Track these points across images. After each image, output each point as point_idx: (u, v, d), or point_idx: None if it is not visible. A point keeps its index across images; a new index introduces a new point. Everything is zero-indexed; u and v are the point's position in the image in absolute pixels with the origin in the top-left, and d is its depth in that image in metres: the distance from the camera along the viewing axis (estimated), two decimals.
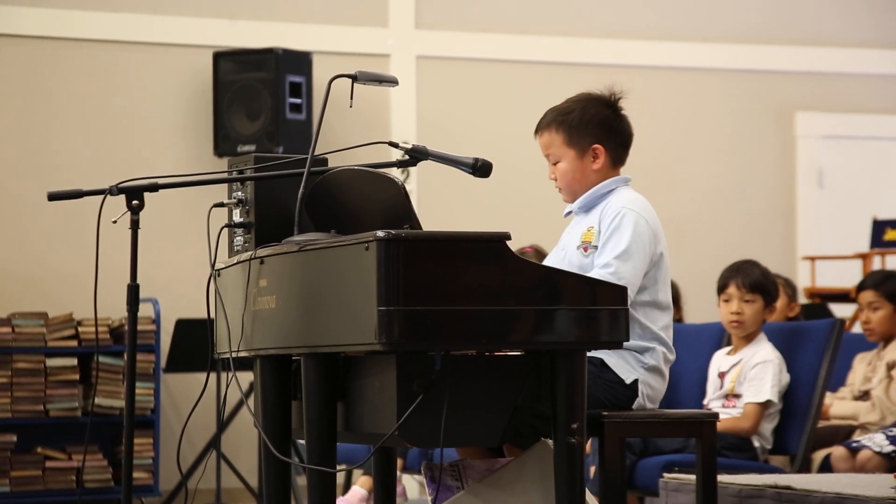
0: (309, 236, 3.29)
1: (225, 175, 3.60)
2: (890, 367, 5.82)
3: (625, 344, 3.20)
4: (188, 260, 7.04)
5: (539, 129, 3.75)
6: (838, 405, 5.80)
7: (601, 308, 3.10)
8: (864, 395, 5.88)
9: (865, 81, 8.72)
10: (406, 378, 3.03)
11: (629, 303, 3.50)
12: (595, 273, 3.50)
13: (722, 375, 5.12)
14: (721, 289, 5.16)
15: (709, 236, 8.33)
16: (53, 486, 6.88)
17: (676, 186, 8.32)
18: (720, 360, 5.16)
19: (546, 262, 3.76)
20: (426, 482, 3.59)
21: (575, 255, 3.64)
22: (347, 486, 6.19)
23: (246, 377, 6.38)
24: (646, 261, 3.58)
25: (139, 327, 6.35)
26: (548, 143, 3.72)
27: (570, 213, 3.80)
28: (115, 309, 5.79)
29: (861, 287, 6.02)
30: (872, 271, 6.32)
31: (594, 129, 3.69)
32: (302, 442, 3.30)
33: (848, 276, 6.91)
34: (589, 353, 3.32)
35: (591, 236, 3.63)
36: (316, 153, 3.40)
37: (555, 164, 3.73)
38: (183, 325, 7.16)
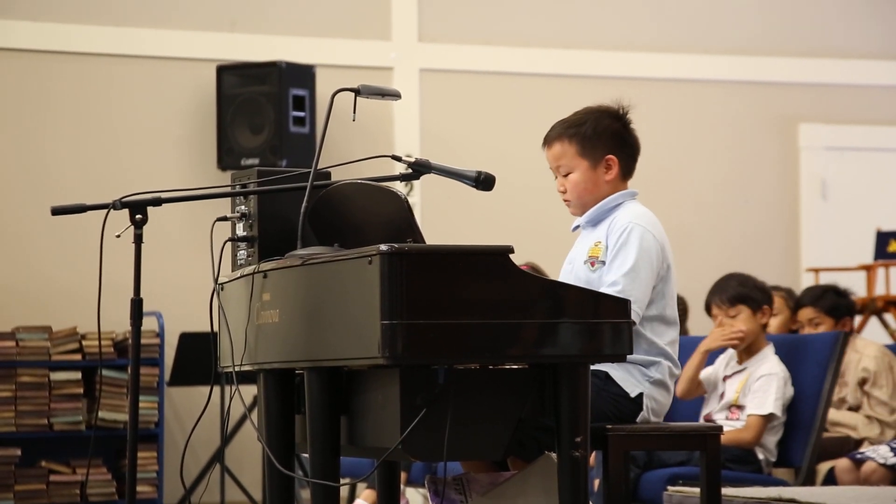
0: (312, 250, 3.30)
1: (228, 189, 3.61)
2: (861, 384, 5.83)
3: (630, 358, 3.20)
4: (192, 273, 7.04)
5: (549, 141, 3.74)
6: (833, 412, 5.80)
7: (604, 321, 3.10)
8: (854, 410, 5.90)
9: (869, 93, 8.72)
10: (409, 392, 3.03)
11: (639, 319, 3.51)
12: (604, 291, 3.49)
13: (725, 379, 5.12)
14: (708, 312, 5.19)
15: (712, 248, 8.33)
16: (57, 499, 6.87)
17: (679, 198, 8.32)
18: (725, 361, 5.15)
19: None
20: (430, 496, 3.58)
21: (582, 270, 3.64)
22: (351, 499, 6.19)
23: (249, 391, 6.38)
24: (653, 276, 3.58)
25: (143, 341, 6.37)
26: (559, 154, 3.72)
27: (577, 227, 3.80)
28: (118, 323, 5.80)
29: (799, 304, 6.04)
30: (809, 287, 6.34)
31: (607, 140, 3.70)
32: (305, 456, 3.30)
33: (852, 287, 6.89)
34: (594, 367, 3.32)
35: (598, 251, 3.63)
36: (319, 167, 3.41)
37: (565, 175, 3.72)
38: (186, 339, 7.16)
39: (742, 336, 5.04)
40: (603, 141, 3.69)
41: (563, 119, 3.75)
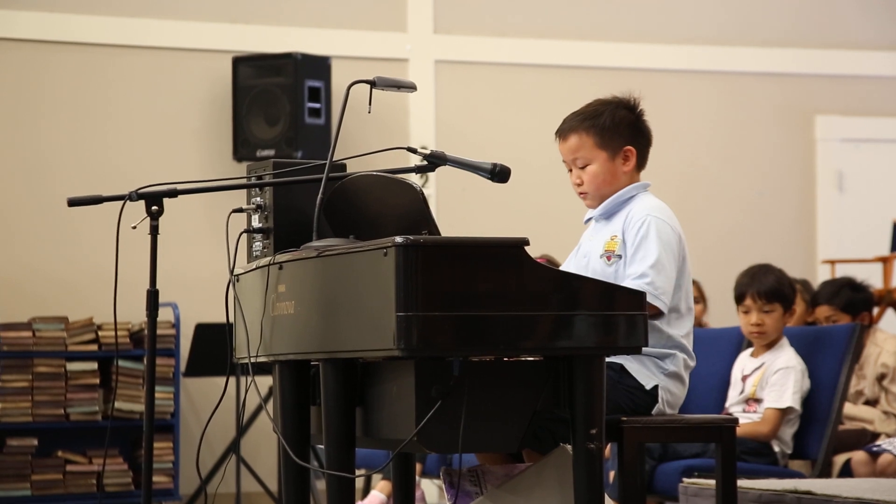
0: (327, 242, 3.30)
1: (244, 180, 3.61)
2: (879, 379, 5.81)
3: (645, 350, 3.20)
4: (208, 264, 7.06)
5: (564, 133, 3.73)
6: (849, 406, 5.79)
7: (619, 313, 3.10)
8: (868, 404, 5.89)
9: (885, 84, 8.69)
10: (424, 384, 3.03)
11: (666, 310, 3.50)
12: (629, 284, 3.48)
13: (744, 378, 5.10)
14: (738, 299, 5.12)
15: (728, 240, 8.31)
16: (74, 490, 6.90)
17: (695, 190, 8.30)
18: (744, 362, 5.14)
19: (565, 268, 3.76)
20: (445, 487, 3.59)
21: (598, 264, 3.63)
22: (367, 491, 6.20)
23: (265, 381, 6.38)
24: (675, 268, 3.57)
25: (159, 331, 6.37)
26: (576, 146, 3.70)
27: (589, 219, 3.79)
28: (135, 313, 5.80)
29: (815, 302, 6.00)
30: (825, 282, 6.29)
31: (624, 131, 3.69)
32: (321, 447, 3.30)
33: (869, 279, 6.88)
34: (609, 359, 3.32)
35: (615, 245, 3.62)
36: (334, 158, 3.41)
37: (582, 167, 3.71)
38: (202, 330, 7.17)
39: (766, 330, 5.01)
40: (620, 132, 3.69)
41: (576, 111, 3.74)
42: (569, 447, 3.20)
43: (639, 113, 3.74)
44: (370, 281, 3.03)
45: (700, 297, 7.10)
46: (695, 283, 7.02)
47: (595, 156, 3.69)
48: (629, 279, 3.52)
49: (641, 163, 3.74)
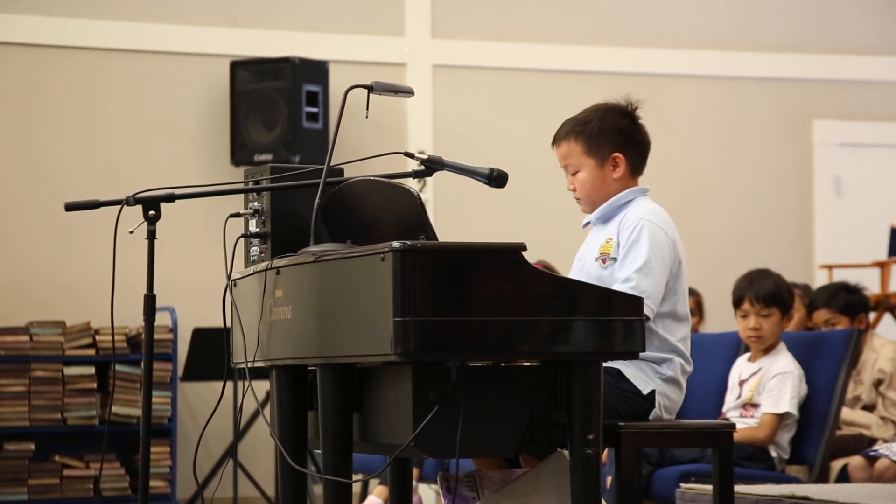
0: (325, 247, 3.30)
1: (241, 185, 3.61)
2: (876, 384, 5.82)
3: (642, 355, 3.20)
4: (205, 269, 7.06)
5: (557, 140, 3.75)
6: (847, 411, 5.80)
7: (617, 318, 3.10)
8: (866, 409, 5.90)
9: (883, 89, 8.70)
10: (422, 389, 3.03)
11: (652, 315, 3.50)
12: (617, 288, 3.49)
13: (742, 383, 5.11)
14: (736, 304, 5.13)
15: (726, 245, 8.31)
16: (71, 494, 6.90)
17: (693, 195, 8.30)
18: (741, 366, 5.14)
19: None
20: (442, 492, 3.59)
21: (593, 267, 3.64)
22: (364, 496, 6.19)
23: (262, 386, 6.39)
24: (666, 273, 3.57)
25: (156, 336, 6.37)
26: (566, 153, 3.72)
27: (588, 223, 3.80)
28: (132, 318, 5.81)
29: (813, 306, 6.01)
30: (821, 287, 6.30)
31: (613, 138, 3.69)
32: (318, 452, 3.30)
33: (866, 284, 6.88)
34: (606, 364, 3.32)
35: (610, 248, 3.63)
36: (332, 163, 3.41)
37: (574, 174, 3.73)
38: (200, 335, 7.17)
39: (763, 335, 5.02)
40: (609, 139, 3.69)
41: (571, 117, 3.76)
42: (566, 452, 3.20)
43: (633, 118, 3.73)
44: (367, 286, 3.03)
45: (697, 310, 7.10)
46: (695, 294, 7.03)
47: (583, 163, 3.70)
48: (617, 283, 3.53)
49: (636, 169, 3.74)
